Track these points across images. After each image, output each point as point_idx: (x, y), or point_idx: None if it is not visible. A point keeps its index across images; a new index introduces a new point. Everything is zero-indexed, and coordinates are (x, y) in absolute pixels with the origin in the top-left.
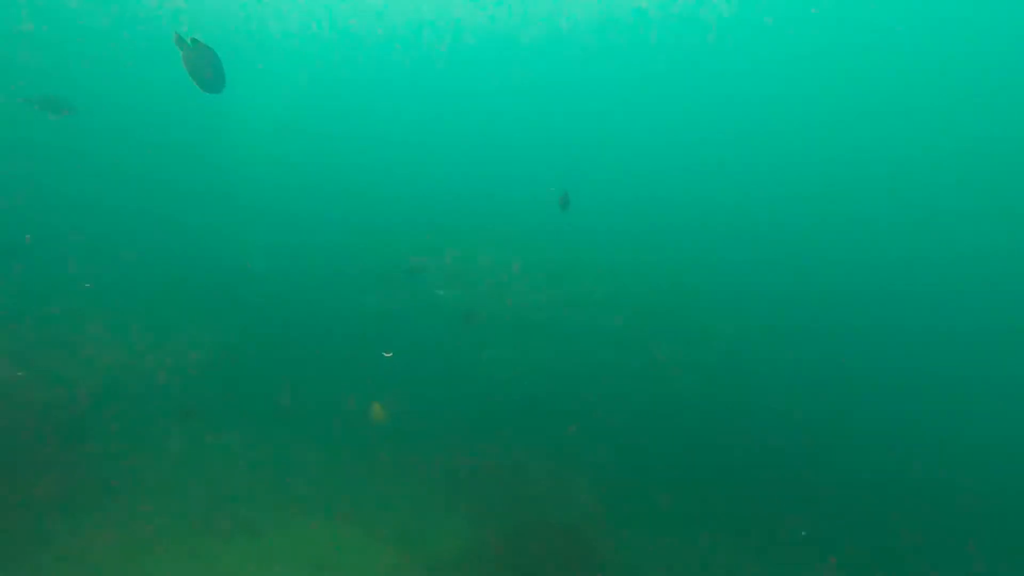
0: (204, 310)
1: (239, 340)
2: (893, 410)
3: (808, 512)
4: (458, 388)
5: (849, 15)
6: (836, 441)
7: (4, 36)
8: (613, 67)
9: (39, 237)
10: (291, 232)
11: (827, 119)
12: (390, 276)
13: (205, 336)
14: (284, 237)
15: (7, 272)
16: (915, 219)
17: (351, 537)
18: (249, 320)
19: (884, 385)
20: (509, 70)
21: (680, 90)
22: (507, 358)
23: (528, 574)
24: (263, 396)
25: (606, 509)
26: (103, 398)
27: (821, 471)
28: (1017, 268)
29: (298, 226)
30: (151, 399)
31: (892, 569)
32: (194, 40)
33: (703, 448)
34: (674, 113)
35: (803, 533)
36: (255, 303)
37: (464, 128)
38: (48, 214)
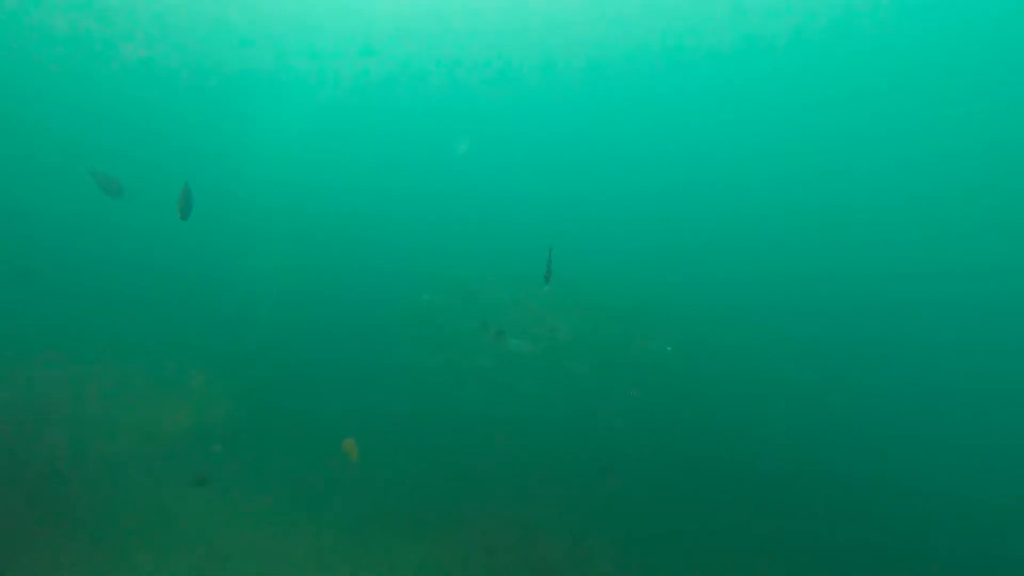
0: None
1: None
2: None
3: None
4: (475, 445)
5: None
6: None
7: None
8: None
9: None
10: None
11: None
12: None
13: (239, 391)
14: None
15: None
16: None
17: None
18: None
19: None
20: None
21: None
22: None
23: None
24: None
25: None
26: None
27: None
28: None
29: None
30: (169, 462)
31: None
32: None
33: (726, 509)
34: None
35: None
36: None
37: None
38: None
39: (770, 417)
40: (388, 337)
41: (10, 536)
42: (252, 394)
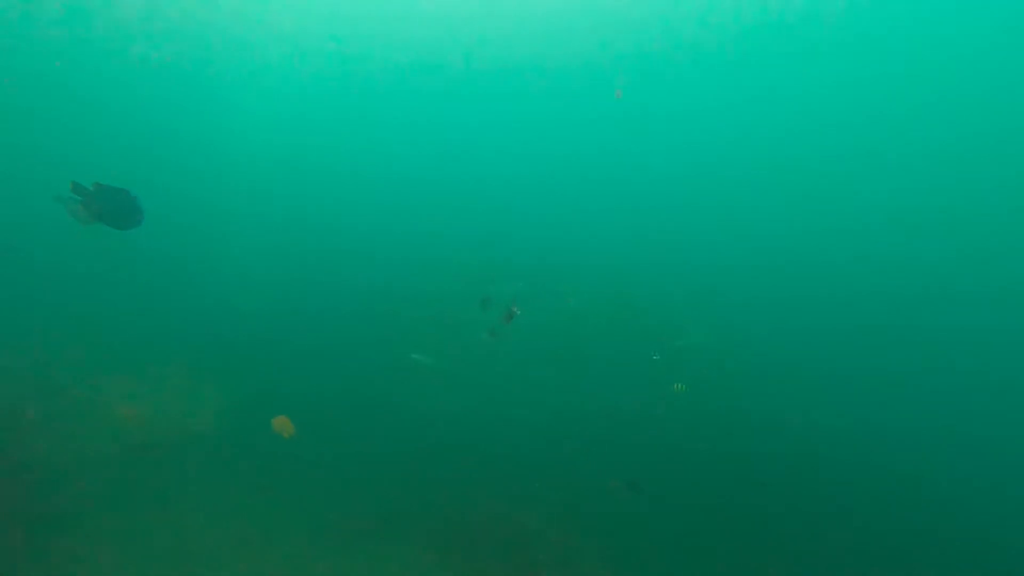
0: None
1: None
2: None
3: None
4: (457, 443)
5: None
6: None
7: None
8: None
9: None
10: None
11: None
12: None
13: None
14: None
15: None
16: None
17: None
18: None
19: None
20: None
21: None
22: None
23: None
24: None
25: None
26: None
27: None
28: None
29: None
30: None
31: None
32: (97, 185)
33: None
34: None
35: None
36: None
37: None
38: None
39: (776, 418)
40: (383, 332)
41: None
42: (241, 390)
